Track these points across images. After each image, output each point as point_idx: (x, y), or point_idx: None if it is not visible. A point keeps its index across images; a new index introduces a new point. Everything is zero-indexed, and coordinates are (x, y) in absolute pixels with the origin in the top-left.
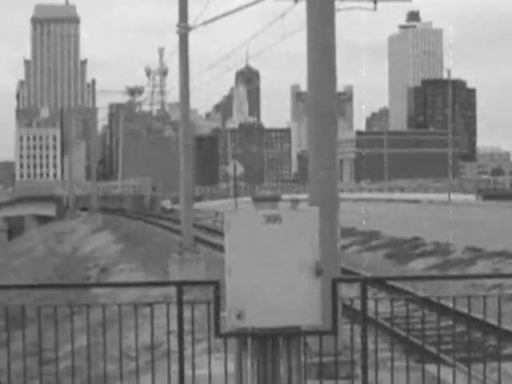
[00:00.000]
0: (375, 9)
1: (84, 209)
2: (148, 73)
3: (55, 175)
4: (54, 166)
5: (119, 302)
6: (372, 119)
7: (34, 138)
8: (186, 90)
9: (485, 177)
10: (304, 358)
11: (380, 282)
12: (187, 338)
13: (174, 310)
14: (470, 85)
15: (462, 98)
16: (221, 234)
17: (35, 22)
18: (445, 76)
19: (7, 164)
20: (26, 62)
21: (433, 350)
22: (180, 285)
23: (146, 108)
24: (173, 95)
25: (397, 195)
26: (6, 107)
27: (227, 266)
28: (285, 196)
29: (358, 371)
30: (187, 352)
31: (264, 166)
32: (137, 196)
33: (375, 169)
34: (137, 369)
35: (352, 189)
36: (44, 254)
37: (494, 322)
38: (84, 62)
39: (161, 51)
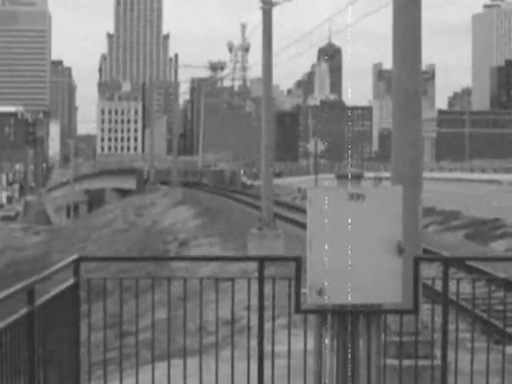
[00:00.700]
0: None
1: (164, 183)
2: (230, 48)
3: (136, 149)
4: (135, 139)
5: (198, 276)
6: (454, 98)
7: (116, 112)
8: (268, 66)
9: None
10: (384, 337)
11: (460, 262)
12: (266, 314)
13: (252, 286)
14: None
15: None
16: (299, 210)
17: None
18: None
19: (89, 137)
20: (109, 36)
21: None
22: (262, 260)
23: (227, 83)
24: (254, 70)
25: (477, 175)
26: (88, 81)
27: (308, 243)
28: (366, 174)
29: (437, 351)
30: (266, 328)
31: (344, 143)
32: (217, 171)
33: (456, 148)
34: (216, 343)
35: (432, 168)
36: (124, 227)
37: None
38: (166, 37)
39: (243, 27)
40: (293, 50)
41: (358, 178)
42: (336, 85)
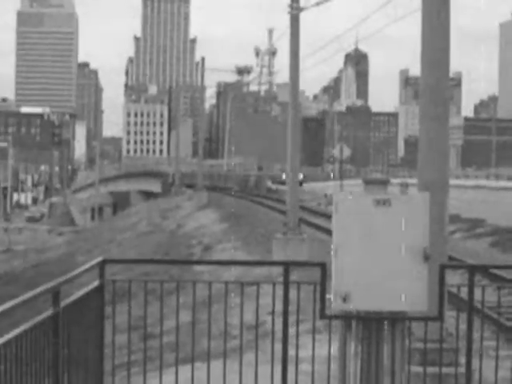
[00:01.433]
0: None
1: (189, 186)
2: (257, 53)
3: (161, 152)
4: (161, 142)
5: (223, 280)
6: (480, 106)
7: (142, 115)
8: (295, 71)
9: None
10: (408, 344)
11: (485, 270)
12: (290, 319)
13: (276, 290)
14: None
15: None
16: (325, 215)
17: None
18: None
19: (114, 140)
20: (136, 39)
21: None
22: (287, 265)
23: (253, 88)
24: (281, 75)
25: (503, 183)
26: (114, 83)
27: (334, 248)
28: (392, 180)
29: (462, 359)
30: (290, 332)
31: (370, 149)
32: (242, 175)
33: (482, 156)
34: (241, 346)
35: (458, 175)
36: (148, 230)
37: None
38: (193, 40)
39: (270, 32)
40: (320, 55)
41: (384, 183)
42: (362, 90)
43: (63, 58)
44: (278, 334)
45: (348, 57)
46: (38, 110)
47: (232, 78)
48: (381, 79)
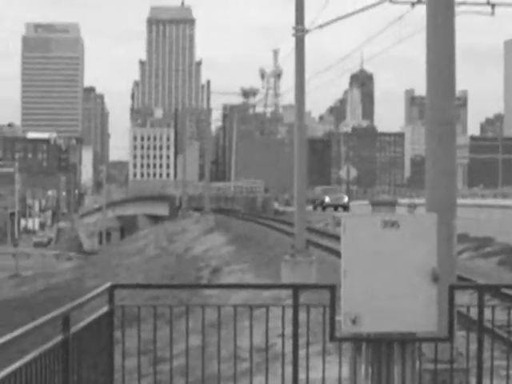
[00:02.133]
0: (493, 13)
1: (196, 209)
2: (262, 75)
3: (168, 175)
4: (168, 165)
5: (231, 303)
6: (486, 124)
7: (148, 138)
8: (301, 93)
9: None
10: (418, 365)
11: (495, 290)
12: (299, 341)
13: (285, 313)
14: None
15: None
16: (332, 237)
17: (151, 23)
18: None
19: (121, 163)
20: (141, 63)
21: None
22: (296, 288)
23: (259, 110)
24: (287, 97)
25: (510, 202)
26: (120, 107)
27: (343, 270)
28: (399, 200)
29: (472, 379)
30: (299, 354)
31: (376, 170)
32: (249, 197)
33: (488, 175)
34: (251, 370)
35: (465, 194)
36: (156, 253)
37: None
38: (199, 63)
39: (275, 53)
40: (325, 76)
41: (392, 205)
42: (368, 111)
43: (69, 82)
44: (288, 357)
45: (353, 77)
46: (44, 135)
47: (238, 100)
48: (386, 99)
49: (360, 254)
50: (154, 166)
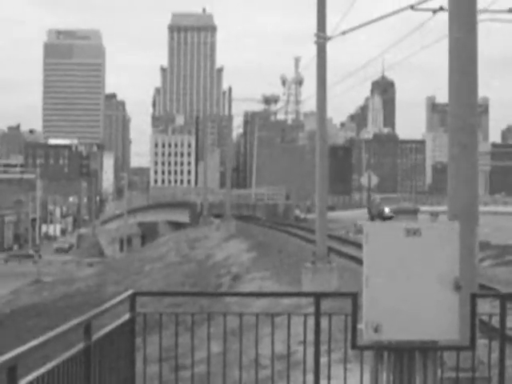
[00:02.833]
0: None
1: (217, 216)
2: (283, 82)
3: (189, 182)
4: (189, 172)
5: (251, 310)
6: (507, 132)
7: (169, 145)
8: (322, 100)
9: None
10: (440, 373)
11: None
12: (321, 349)
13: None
14: None
15: None
16: (353, 244)
17: (172, 30)
18: None
19: (142, 170)
20: (163, 70)
21: None
22: (318, 296)
23: (280, 117)
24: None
25: None
26: (142, 114)
27: (365, 278)
28: (420, 208)
29: None
30: (321, 362)
31: (398, 177)
32: (270, 204)
33: (510, 182)
34: (272, 377)
35: (486, 202)
36: (177, 260)
37: None
38: (220, 70)
39: (297, 60)
40: (346, 83)
41: (414, 213)
42: (389, 118)
43: (90, 89)
44: (309, 365)
45: (375, 84)
46: (65, 141)
47: (259, 107)
48: (407, 106)
49: (382, 261)
50: (175, 172)
